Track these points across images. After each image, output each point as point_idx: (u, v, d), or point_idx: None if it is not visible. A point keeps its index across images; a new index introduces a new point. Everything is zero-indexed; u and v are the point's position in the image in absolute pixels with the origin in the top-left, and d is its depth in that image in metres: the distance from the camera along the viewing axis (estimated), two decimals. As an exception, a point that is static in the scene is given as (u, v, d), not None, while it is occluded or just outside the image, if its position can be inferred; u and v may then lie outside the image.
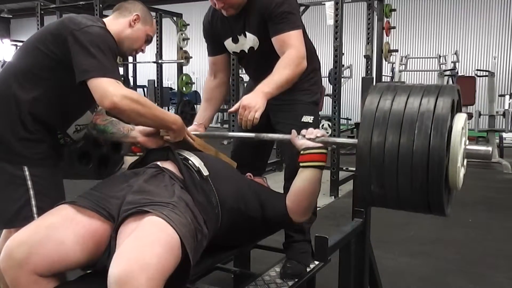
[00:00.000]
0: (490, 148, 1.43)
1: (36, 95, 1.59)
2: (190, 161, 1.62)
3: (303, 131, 1.70)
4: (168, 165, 1.62)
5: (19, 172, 1.57)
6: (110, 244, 1.40)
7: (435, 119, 1.27)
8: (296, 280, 1.92)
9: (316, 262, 2.05)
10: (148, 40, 1.82)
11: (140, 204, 1.39)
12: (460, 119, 1.35)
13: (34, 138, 1.60)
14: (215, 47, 2.12)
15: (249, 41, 1.97)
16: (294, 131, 1.72)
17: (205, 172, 1.60)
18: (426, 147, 1.26)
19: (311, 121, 1.98)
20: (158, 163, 1.63)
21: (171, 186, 1.51)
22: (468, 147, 1.40)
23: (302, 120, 1.97)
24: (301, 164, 1.69)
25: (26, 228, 1.37)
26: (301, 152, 1.68)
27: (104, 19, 1.74)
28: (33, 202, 1.58)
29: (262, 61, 1.98)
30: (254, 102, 1.72)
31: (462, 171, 1.39)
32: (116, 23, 1.73)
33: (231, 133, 1.91)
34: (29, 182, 1.58)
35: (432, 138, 1.26)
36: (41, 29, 1.68)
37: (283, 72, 1.80)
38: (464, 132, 1.37)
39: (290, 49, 1.84)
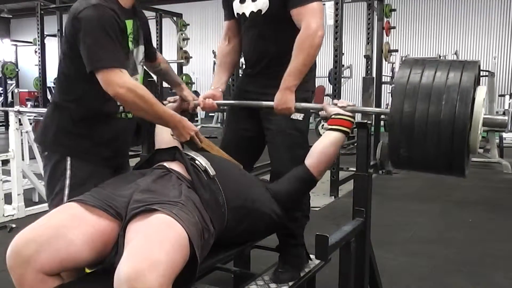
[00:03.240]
0: (506, 117, 1.60)
1: (75, 97, 1.65)
2: (197, 161, 1.64)
3: (335, 100, 1.88)
4: (175, 166, 1.63)
5: (62, 161, 1.65)
6: (118, 242, 1.39)
7: (460, 92, 1.45)
8: (294, 281, 1.92)
9: (312, 265, 2.06)
10: None
11: (148, 203, 1.39)
12: (481, 91, 1.53)
13: (79, 132, 1.67)
14: (229, 10, 2.12)
15: (259, 2, 1.94)
16: (326, 98, 1.80)
17: (212, 172, 1.61)
18: (452, 116, 1.45)
19: (300, 118, 1.97)
20: (165, 164, 1.65)
21: (179, 186, 1.52)
22: (485, 116, 1.54)
23: (291, 117, 1.95)
24: (329, 127, 1.83)
25: (34, 226, 1.37)
26: (332, 116, 1.83)
27: None
28: (66, 192, 1.64)
29: (261, 29, 1.98)
30: (284, 104, 1.87)
31: (479, 138, 1.57)
32: None
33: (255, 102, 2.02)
34: (68, 172, 1.65)
35: (458, 108, 1.44)
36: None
37: (299, 57, 1.85)
38: (484, 103, 1.54)
39: (304, 24, 1.84)
